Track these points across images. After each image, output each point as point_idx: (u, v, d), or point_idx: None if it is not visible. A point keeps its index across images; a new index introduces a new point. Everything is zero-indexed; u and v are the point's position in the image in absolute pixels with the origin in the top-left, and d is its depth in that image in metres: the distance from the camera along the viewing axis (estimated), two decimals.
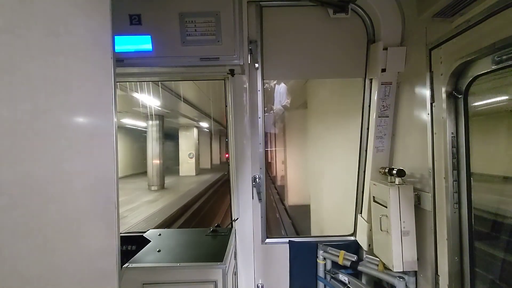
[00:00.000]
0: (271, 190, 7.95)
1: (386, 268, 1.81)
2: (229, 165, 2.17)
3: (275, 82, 4.66)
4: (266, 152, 2.30)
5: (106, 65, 0.95)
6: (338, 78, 2.50)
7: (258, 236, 2.22)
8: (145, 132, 12.57)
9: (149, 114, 11.51)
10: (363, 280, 2.03)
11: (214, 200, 11.18)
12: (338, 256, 2.05)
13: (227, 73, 1.86)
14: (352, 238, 2.26)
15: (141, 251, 1.75)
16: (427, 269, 1.65)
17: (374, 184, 1.90)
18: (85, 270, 0.84)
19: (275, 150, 7.23)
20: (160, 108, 10.46)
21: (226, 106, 2.11)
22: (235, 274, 2.07)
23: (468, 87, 1.40)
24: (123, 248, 1.97)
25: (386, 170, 1.81)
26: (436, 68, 1.53)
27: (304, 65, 2.08)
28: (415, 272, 1.72)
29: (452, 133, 1.45)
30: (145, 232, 2.10)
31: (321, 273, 2.19)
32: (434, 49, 1.53)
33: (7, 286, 0.59)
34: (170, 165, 17.44)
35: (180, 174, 16.56)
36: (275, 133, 6.36)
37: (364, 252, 2.07)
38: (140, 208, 8.40)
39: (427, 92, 1.58)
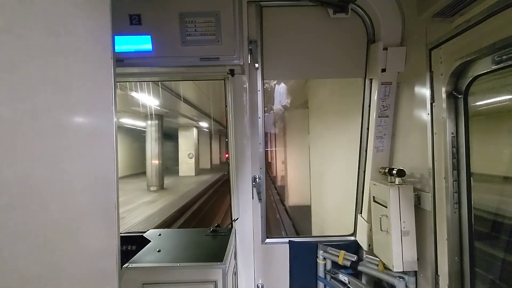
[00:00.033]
0: (271, 190, 7.93)
1: (386, 268, 1.81)
2: (229, 165, 2.17)
3: (275, 82, 4.66)
4: (266, 152, 2.30)
5: (106, 65, 0.95)
6: (338, 78, 2.50)
7: (258, 236, 2.22)
8: (145, 132, 12.53)
9: (149, 114, 11.49)
10: (363, 280, 2.03)
11: (214, 200, 11.16)
12: (338, 256, 2.05)
13: (227, 73, 1.86)
14: (352, 238, 2.26)
15: (141, 251, 1.75)
16: (427, 269, 1.65)
17: (374, 184, 1.90)
18: (85, 270, 0.84)
19: (275, 150, 7.23)
20: (159, 108, 10.43)
21: (226, 106, 2.11)
22: (235, 274, 2.07)
23: (468, 87, 1.40)
24: (123, 248, 1.97)
25: (386, 170, 1.81)
26: (436, 68, 1.53)
27: (304, 65, 2.08)
28: (415, 272, 1.72)
29: (452, 133, 1.45)
30: (145, 232, 2.10)
31: (321, 273, 2.19)
32: (434, 49, 1.53)
33: (7, 286, 0.59)
34: (170, 165, 17.40)
35: (180, 174, 16.53)
36: (275, 133, 6.35)
37: (364, 252, 2.07)
38: (136, 210, 8.26)
39: (427, 92, 1.58)
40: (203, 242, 1.89)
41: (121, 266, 1.43)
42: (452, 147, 1.45)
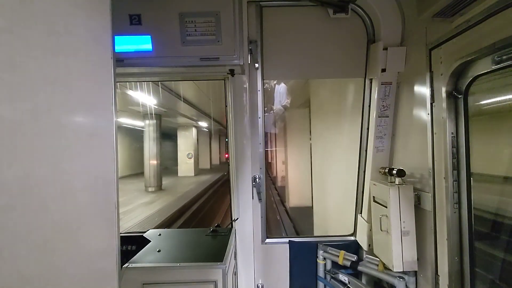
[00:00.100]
0: (271, 191, 7.90)
1: (386, 268, 1.81)
2: (229, 165, 2.17)
3: (275, 82, 4.66)
4: (266, 152, 2.30)
5: (106, 65, 0.95)
6: (338, 78, 2.50)
7: (258, 236, 2.22)
8: (143, 131, 12.49)
9: (148, 113, 11.44)
10: (363, 280, 2.03)
11: (214, 201, 11.13)
12: (338, 256, 2.05)
13: (227, 73, 1.86)
14: (352, 238, 2.26)
15: (141, 251, 1.75)
16: (427, 269, 1.65)
17: (374, 184, 1.90)
18: (85, 270, 0.84)
19: (275, 150, 7.21)
20: (156, 107, 10.38)
21: (226, 106, 2.10)
22: (235, 274, 2.07)
23: (468, 87, 1.40)
24: (123, 248, 1.97)
25: (386, 170, 1.81)
26: (436, 68, 1.53)
27: (304, 65, 2.08)
28: (415, 272, 1.72)
29: (452, 133, 1.46)
30: (145, 232, 2.10)
31: (321, 273, 2.19)
32: (434, 49, 1.54)
33: (7, 286, 0.59)
34: (169, 165, 17.37)
35: (179, 174, 16.49)
36: (275, 133, 6.35)
37: (364, 252, 2.07)
38: (131, 213, 8.08)
39: (427, 92, 1.58)
40: (203, 242, 1.88)
41: (121, 266, 1.43)
42: (452, 147, 1.45)
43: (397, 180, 1.73)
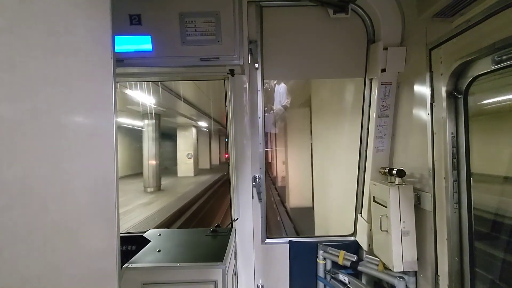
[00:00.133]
0: (272, 191, 7.88)
1: (386, 268, 1.81)
2: (229, 165, 2.17)
3: (275, 82, 4.65)
4: (266, 152, 2.30)
5: (106, 65, 0.95)
6: (338, 78, 2.50)
7: (258, 236, 2.22)
8: (142, 131, 12.44)
9: (147, 113, 11.39)
10: (363, 280, 2.03)
11: (214, 201, 11.10)
12: (338, 256, 2.05)
13: (227, 73, 1.86)
14: (352, 238, 2.26)
15: (141, 251, 1.75)
16: (427, 269, 1.65)
17: (374, 184, 1.90)
18: (85, 270, 0.84)
19: (276, 150, 7.19)
20: (155, 106, 10.34)
21: (226, 106, 2.10)
22: (235, 274, 2.06)
23: (468, 87, 1.40)
24: (123, 248, 1.96)
25: (386, 170, 1.81)
26: (436, 68, 1.53)
27: (304, 65, 2.08)
28: (415, 272, 1.72)
29: (452, 133, 1.46)
30: (145, 232, 2.10)
31: (321, 273, 2.19)
32: (434, 49, 1.54)
33: (7, 286, 0.59)
34: (168, 165, 17.32)
35: (178, 175, 16.44)
36: (275, 133, 6.34)
37: (364, 252, 2.07)
38: (128, 215, 7.96)
39: (427, 92, 1.58)
40: (203, 242, 1.88)
41: (121, 266, 1.43)
42: (452, 147, 1.45)
43: (397, 180, 1.73)
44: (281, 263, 2.24)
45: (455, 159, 1.45)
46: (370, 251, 1.99)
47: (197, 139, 17.30)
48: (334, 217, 3.17)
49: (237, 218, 2.15)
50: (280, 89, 4.74)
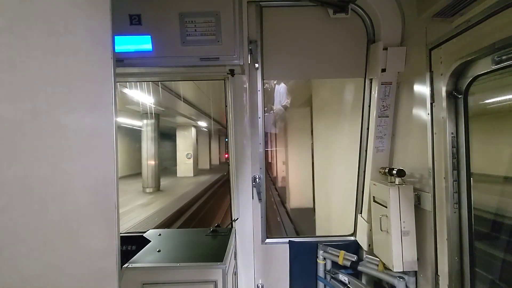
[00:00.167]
0: (272, 191, 7.87)
1: (386, 268, 1.81)
2: (229, 165, 2.17)
3: (275, 82, 4.65)
4: (266, 152, 2.29)
5: (106, 65, 0.95)
6: (338, 78, 2.50)
7: (258, 236, 2.22)
8: (141, 131, 12.36)
9: (146, 113, 11.34)
10: (363, 280, 2.03)
11: (213, 201, 11.08)
12: (338, 256, 2.05)
13: (227, 73, 1.86)
14: (352, 238, 2.26)
15: (141, 251, 1.75)
16: (427, 269, 1.65)
17: (374, 184, 1.90)
18: (85, 270, 0.83)
19: (276, 150, 7.18)
20: (154, 106, 10.30)
21: (226, 106, 2.10)
22: (235, 274, 2.06)
23: (468, 87, 1.40)
24: (123, 248, 1.96)
25: (386, 170, 1.81)
26: (436, 68, 1.53)
27: (304, 65, 2.08)
28: (415, 272, 1.73)
29: (452, 133, 1.46)
30: (145, 232, 2.10)
31: (321, 273, 2.19)
32: (434, 49, 1.54)
33: (7, 286, 0.59)
34: (168, 165, 17.27)
35: (178, 175, 16.35)
36: (275, 133, 6.33)
37: (364, 252, 2.07)
38: (126, 216, 7.81)
39: (427, 92, 1.58)
40: (203, 242, 1.88)
41: (121, 266, 1.43)
42: (452, 147, 1.45)
43: (397, 180, 1.73)
44: (281, 263, 2.24)
45: (455, 159, 1.45)
46: (370, 251, 1.99)
47: (196, 139, 17.25)
48: (335, 217, 3.17)
49: (237, 218, 2.15)
50: (280, 89, 4.74)
